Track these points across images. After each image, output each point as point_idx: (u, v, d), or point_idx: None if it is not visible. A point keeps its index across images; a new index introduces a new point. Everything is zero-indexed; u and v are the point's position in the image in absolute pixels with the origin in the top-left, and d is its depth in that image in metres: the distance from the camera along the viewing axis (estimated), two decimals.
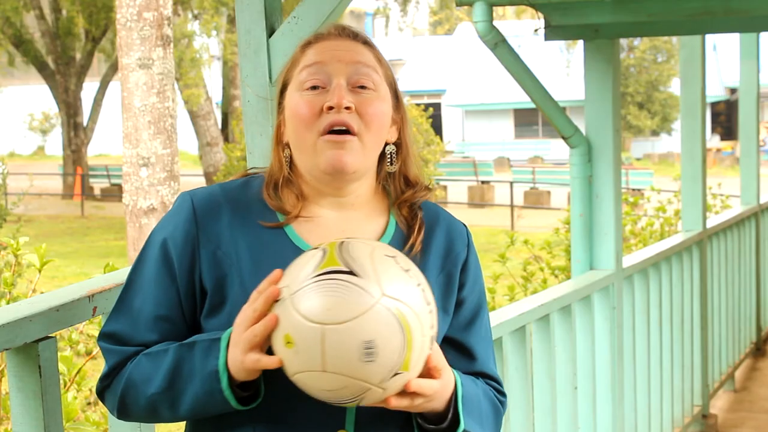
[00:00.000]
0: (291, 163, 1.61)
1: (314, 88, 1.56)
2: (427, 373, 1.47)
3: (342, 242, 1.43)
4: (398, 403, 1.44)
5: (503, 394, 1.73)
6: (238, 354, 1.45)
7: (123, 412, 1.58)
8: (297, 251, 1.55)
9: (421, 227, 1.64)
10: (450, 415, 1.56)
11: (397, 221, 1.65)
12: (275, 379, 1.48)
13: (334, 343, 1.35)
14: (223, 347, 1.47)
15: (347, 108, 1.55)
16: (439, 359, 1.49)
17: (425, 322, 1.41)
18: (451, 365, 1.61)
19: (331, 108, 1.54)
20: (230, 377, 1.47)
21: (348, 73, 1.57)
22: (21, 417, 1.68)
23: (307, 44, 1.62)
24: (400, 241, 1.62)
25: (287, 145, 1.61)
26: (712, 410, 5.40)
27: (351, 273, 1.38)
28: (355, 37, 1.63)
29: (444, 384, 1.52)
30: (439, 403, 1.53)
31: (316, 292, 1.38)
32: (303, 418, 1.53)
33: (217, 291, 1.55)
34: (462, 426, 1.56)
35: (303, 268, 1.42)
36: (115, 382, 1.57)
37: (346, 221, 1.62)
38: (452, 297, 1.65)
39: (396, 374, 1.39)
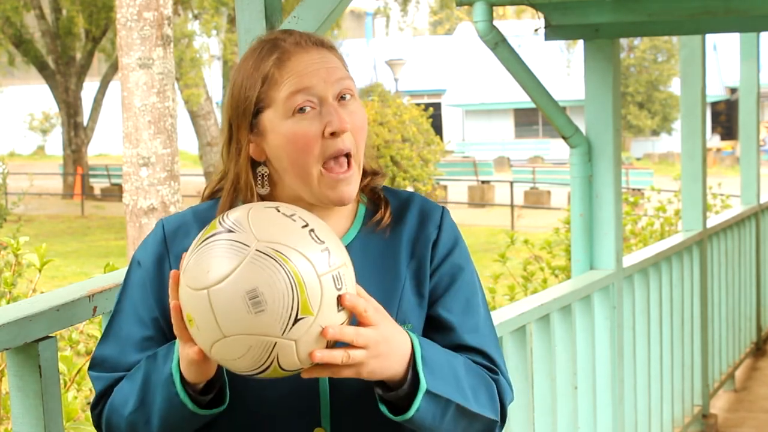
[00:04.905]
0: (269, 181, 1.57)
1: (302, 110, 1.51)
2: (359, 323, 1.39)
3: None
4: (328, 358, 1.35)
5: (496, 372, 1.59)
6: (182, 351, 1.43)
7: None
8: None
9: (387, 203, 1.63)
10: (410, 376, 1.44)
11: (366, 205, 1.64)
12: (244, 387, 1.50)
13: (220, 303, 1.32)
14: (176, 349, 1.46)
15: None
16: (362, 303, 1.38)
17: (317, 260, 1.34)
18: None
19: (332, 133, 1.51)
20: (186, 381, 1.45)
21: (333, 91, 1.53)
22: (21, 417, 1.68)
23: (279, 60, 1.53)
24: (370, 218, 1.62)
25: (263, 163, 1.57)
26: (712, 410, 5.40)
27: (228, 231, 1.36)
28: (321, 44, 1.57)
29: (385, 336, 1.41)
30: (392, 363, 1.42)
31: (196, 260, 1.36)
32: (277, 420, 1.53)
33: None
34: (423, 384, 1.44)
35: (191, 245, 1.41)
36: (103, 410, 1.57)
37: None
38: (426, 280, 1.60)
39: (297, 320, 1.32)
